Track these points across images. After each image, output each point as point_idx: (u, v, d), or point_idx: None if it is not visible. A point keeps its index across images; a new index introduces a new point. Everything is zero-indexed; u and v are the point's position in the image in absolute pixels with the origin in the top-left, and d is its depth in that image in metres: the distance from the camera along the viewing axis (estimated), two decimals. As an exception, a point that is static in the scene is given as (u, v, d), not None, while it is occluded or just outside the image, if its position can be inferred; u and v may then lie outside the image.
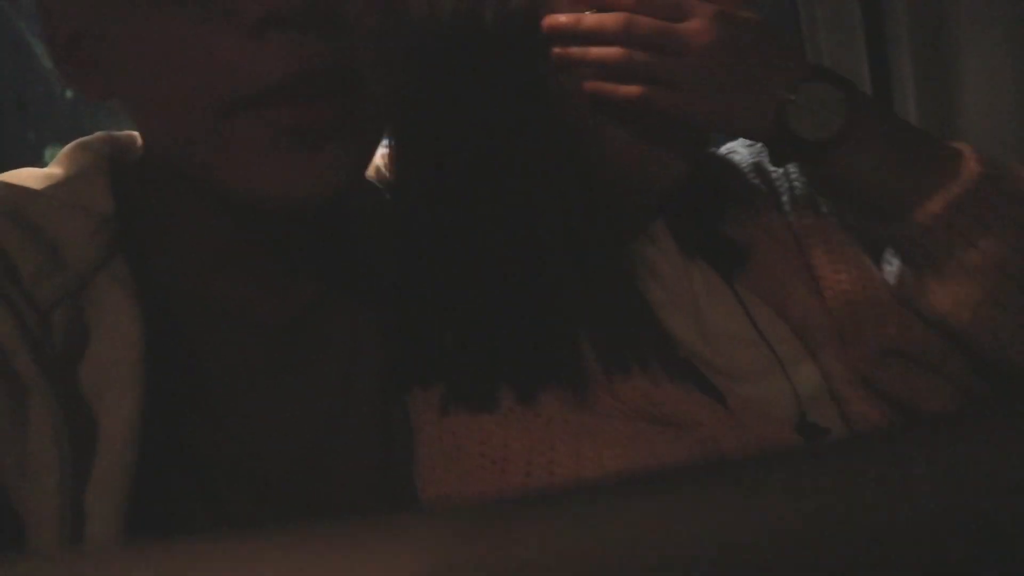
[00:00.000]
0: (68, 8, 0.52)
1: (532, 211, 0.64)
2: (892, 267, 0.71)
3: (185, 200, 0.57)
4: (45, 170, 0.59)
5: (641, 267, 0.70)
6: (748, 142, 0.83)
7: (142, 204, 0.58)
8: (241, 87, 0.47)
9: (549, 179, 0.65)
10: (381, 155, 0.71)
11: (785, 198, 0.79)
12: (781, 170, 0.79)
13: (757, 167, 0.81)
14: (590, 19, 0.62)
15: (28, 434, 0.47)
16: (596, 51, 0.62)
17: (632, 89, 0.62)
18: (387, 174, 0.72)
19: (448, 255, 0.66)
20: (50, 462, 0.47)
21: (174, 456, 0.54)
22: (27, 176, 0.57)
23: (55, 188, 0.56)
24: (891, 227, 0.64)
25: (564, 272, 0.64)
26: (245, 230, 0.58)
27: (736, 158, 0.82)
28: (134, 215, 0.57)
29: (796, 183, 0.78)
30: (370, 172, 0.72)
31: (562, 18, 0.63)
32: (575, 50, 0.63)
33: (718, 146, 0.86)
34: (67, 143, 0.61)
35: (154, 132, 0.54)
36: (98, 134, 0.61)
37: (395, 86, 0.55)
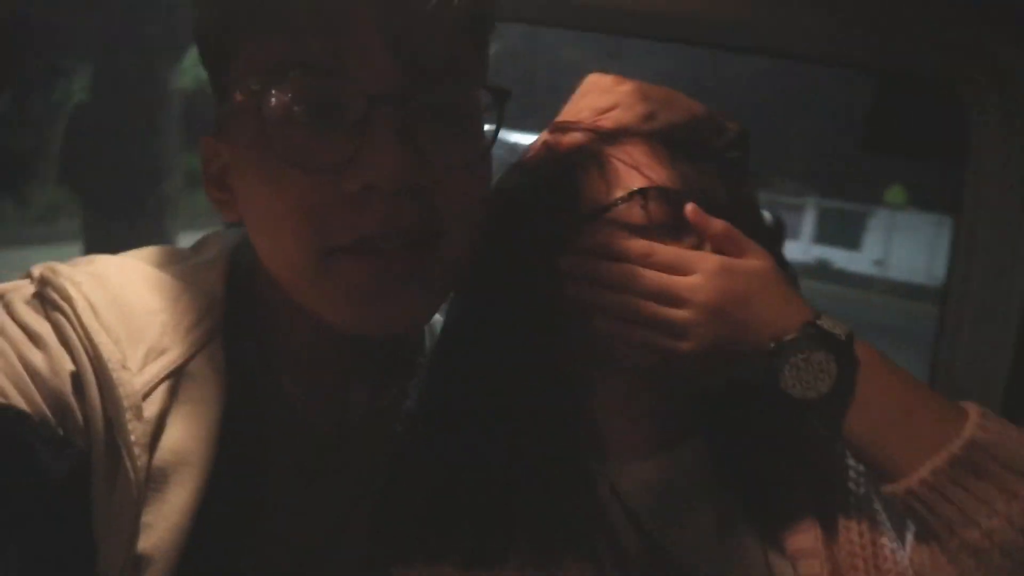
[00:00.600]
0: (219, 148, 0.65)
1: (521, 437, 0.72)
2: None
3: (282, 307, 0.66)
4: (184, 248, 0.73)
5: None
6: None
7: (246, 299, 0.69)
8: (340, 237, 0.57)
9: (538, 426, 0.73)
10: None
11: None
12: None
13: None
14: (602, 267, 0.68)
15: (112, 498, 0.58)
16: (607, 296, 0.68)
17: (635, 333, 0.67)
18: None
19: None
20: (125, 526, 0.58)
21: (224, 535, 0.64)
22: (165, 252, 0.71)
23: (184, 266, 0.69)
24: (888, 489, 0.63)
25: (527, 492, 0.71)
26: (328, 343, 0.69)
27: None
28: (237, 306, 0.68)
29: None
30: None
31: (577, 260, 0.69)
32: (587, 291, 0.69)
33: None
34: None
35: (266, 259, 0.63)
36: (230, 229, 0.74)
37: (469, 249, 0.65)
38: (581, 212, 0.69)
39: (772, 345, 0.64)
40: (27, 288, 0.61)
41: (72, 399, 0.57)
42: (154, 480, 0.60)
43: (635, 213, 0.69)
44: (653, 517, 0.71)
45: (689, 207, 0.68)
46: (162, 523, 0.59)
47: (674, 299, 0.66)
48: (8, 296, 0.61)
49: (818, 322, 0.64)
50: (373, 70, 0.56)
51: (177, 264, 0.69)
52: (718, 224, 0.68)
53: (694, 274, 0.66)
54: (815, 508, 0.71)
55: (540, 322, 0.71)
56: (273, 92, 0.56)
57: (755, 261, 0.68)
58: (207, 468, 0.61)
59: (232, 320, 0.67)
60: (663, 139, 0.72)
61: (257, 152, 0.58)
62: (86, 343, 0.58)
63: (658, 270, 0.67)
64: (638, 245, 0.68)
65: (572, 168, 0.71)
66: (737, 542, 0.72)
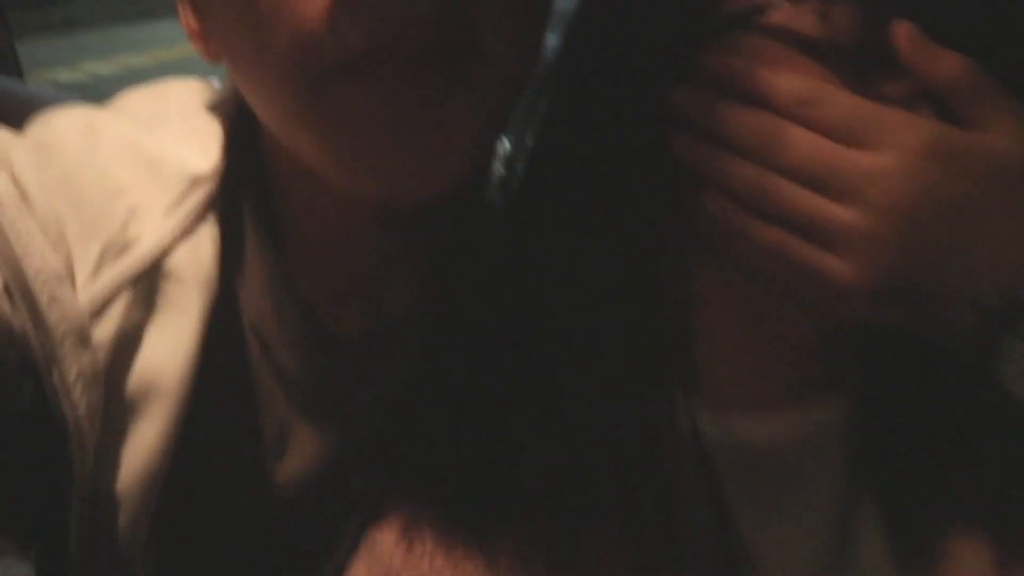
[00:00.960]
0: None
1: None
2: None
3: (293, 178, 0.51)
4: (176, 98, 0.56)
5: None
6: None
7: (251, 167, 0.53)
8: (336, 50, 0.40)
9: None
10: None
11: None
12: None
13: None
14: (731, 114, 0.41)
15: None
16: (732, 165, 0.41)
17: (768, 234, 0.40)
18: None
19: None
20: (82, 467, 0.46)
21: (212, 479, 0.53)
22: (175, 97, 0.55)
23: (183, 120, 0.53)
24: None
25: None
26: (354, 223, 0.52)
27: None
28: (238, 178, 0.52)
29: None
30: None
31: (695, 96, 0.42)
32: (704, 152, 0.42)
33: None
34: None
35: (253, 104, 0.48)
36: None
37: (535, 45, 0.45)
38: (713, 17, 0.42)
39: (996, 301, 0.37)
40: None
41: (11, 319, 0.44)
42: (114, 415, 0.47)
43: (806, 23, 0.40)
44: (742, 493, 0.47)
45: (903, 28, 0.39)
46: (127, 462, 0.48)
47: (838, 186, 0.38)
48: None
49: None
50: None
51: (177, 116, 0.54)
52: (952, 63, 0.38)
53: (882, 148, 0.38)
54: (993, 537, 0.45)
55: (633, 191, 0.45)
56: None
57: (1004, 142, 0.38)
58: (185, 396, 0.48)
59: (230, 197, 0.51)
60: None
61: None
62: (6, 251, 0.44)
63: (824, 131, 0.39)
64: (798, 83, 0.39)
65: None
66: (857, 563, 0.46)
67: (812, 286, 0.40)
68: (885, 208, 0.37)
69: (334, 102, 0.41)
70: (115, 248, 0.47)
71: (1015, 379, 0.37)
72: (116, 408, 0.47)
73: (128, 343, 0.47)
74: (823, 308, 0.42)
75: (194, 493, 0.52)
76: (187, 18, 0.50)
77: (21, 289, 0.44)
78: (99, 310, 0.46)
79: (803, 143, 0.39)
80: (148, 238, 0.47)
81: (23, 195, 0.46)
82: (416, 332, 0.55)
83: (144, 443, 0.48)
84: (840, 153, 0.38)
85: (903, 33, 0.39)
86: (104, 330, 0.46)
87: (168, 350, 0.48)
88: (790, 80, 0.39)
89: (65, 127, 0.51)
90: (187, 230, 0.49)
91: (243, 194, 0.53)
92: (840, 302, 0.40)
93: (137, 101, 0.56)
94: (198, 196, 0.49)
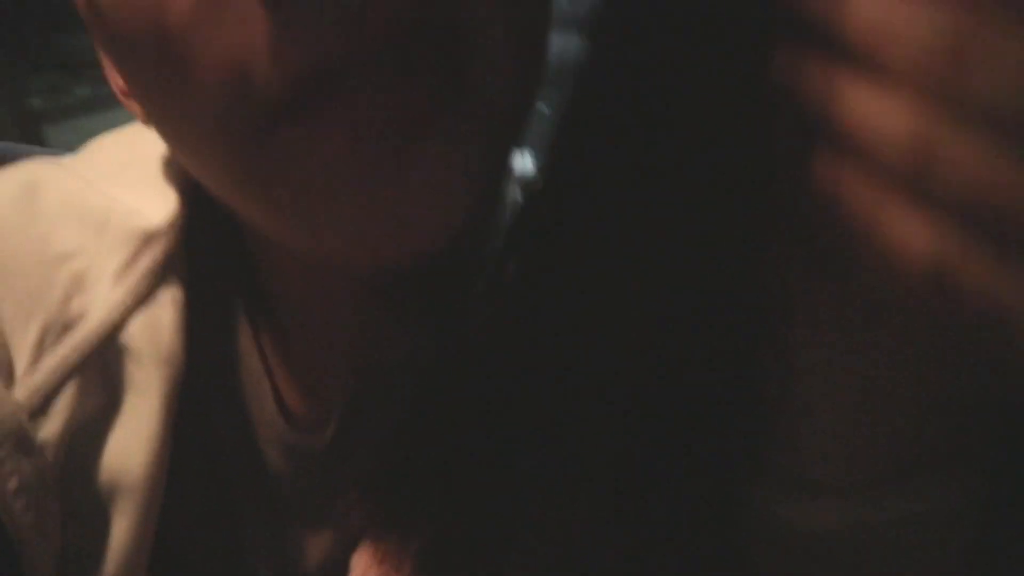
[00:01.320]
0: (96, 29, 0.37)
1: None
2: None
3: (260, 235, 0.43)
4: (143, 143, 0.46)
5: None
6: None
7: (213, 219, 0.45)
8: (271, 90, 0.29)
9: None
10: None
11: None
12: None
13: None
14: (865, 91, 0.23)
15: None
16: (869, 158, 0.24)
17: (915, 244, 0.23)
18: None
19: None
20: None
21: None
22: (126, 149, 0.47)
23: (124, 176, 0.45)
24: None
25: None
26: (329, 282, 0.44)
27: None
28: (201, 231, 0.44)
29: None
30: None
31: (807, 56, 0.25)
32: (825, 140, 0.25)
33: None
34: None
35: (190, 168, 0.39)
36: None
37: (540, 49, 0.34)
38: None
39: None
40: None
41: None
42: (75, 521, 0.40)
43: None
44: None
45: None
46: (98, 571, 0.40)
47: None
48: None
49: None
50: None
51: (139, 163, 0.46)
52: None
53: None
54: None
55: (714, 200, 0.29)
56: None
57: None
58: (155, 492, 0.41)
59: (196, 253, 0.44)
60: None
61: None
62: None
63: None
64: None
65: None
66: None
67: (990, 322, 0.23)
68: None
69: (280, 149, 0.30)
70: (57, 327, 0.40)
71: None
72: (77, 512, 0.40)
73: (82, 438, 0.40)
74: (995, 356, 0.25)
75: None
76: (114, 77, 0.41)
77: None
78: (41, 406, 0.39)
79: (961, 160, 0.21)
80: (96, 311, 0.40)
81: None
82: (406, 386, 0.45)
83: (116, 548, 0.41)
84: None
85: None
86: (50, 428, 0.39)
87: (131, 441, 0.40)
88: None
89: (6, 186, 0.43)
90: (141, 297, 0.41)
91: (210, 250, 0.46)
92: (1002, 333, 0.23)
93: (101, 148, 0.49)
94: (152, 255, 0.42)
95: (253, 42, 0.28)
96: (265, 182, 0.32)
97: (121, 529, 0.41)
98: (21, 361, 0.39)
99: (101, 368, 0.40)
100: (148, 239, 0.42)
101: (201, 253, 0.45)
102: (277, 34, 0.28)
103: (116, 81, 0.41)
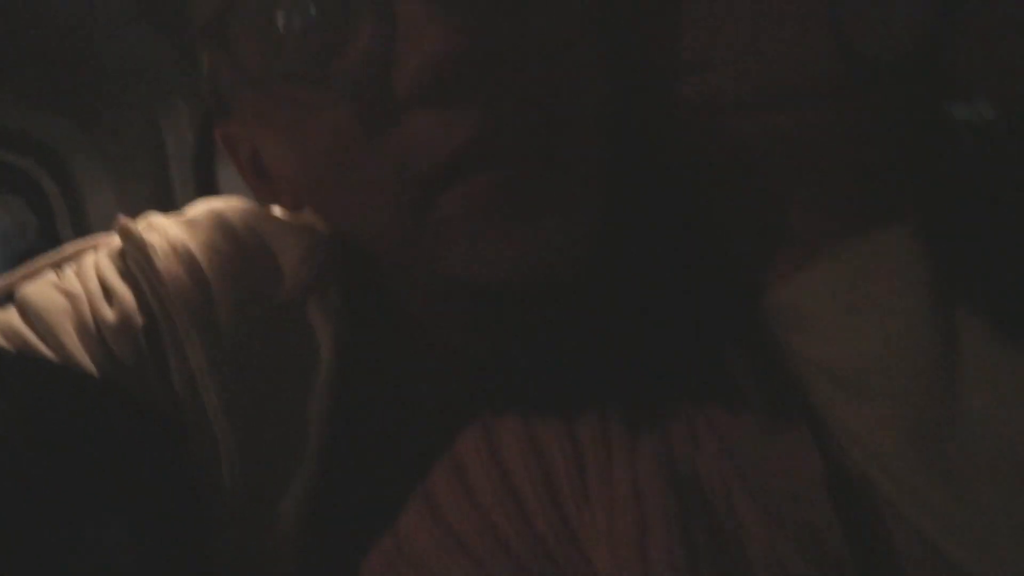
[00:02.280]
0: (240, 126, 0.50)
1: None
2: None
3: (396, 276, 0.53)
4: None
5: None
6: None
7: (351, 259, 0.54)
8: (424, 167, 0.39)
9: None
10: None
11: None
12: None
13: None
14: None
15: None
16: None
17: None
18: None
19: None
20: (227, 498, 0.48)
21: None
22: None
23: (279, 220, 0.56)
24: None
25: None
26: (465, 306, 0.52)
27: None
28: (344, 258, 0.54)
29: None
30: None
31: None
32: None
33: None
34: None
35: (349, 233, 0.49)
36: None
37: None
38: None
39: None
40: (116, 240, 0.53)
41: (149, 359, 0.48)
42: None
43: None
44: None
45: None
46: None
47: None
48: (99, 248, 0.53)
49: None
50: None
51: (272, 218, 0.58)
52: None
53: None
54: None
55: None
56: (275, 11, 0.41)
57: None
58: (315, 449, 0.51)
59: (340, 270, 0.54)
60: None
61: (277, 107, 0.44)
62: (159, 294, 0.49)
63: None
64: None
65: None
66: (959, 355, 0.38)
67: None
68: None
69: (439, 212, 0.41)
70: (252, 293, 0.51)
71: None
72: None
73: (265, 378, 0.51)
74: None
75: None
76: (253, 182, 0.52)
77: (167, 327, 0.49)
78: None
79: None
80: (286, 283, 0.51)
81: (176, 252, 0.51)
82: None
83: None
84: None
85: None
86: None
87: (303, 393, 0.51)
88: None
89: (198, 210, 0.56)
90: (314, 283, 0.52)
91: (352, 275, 0.54)
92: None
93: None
94: (323, 253, 0.52)
95: (416, 136, 0.39)
96: (429, 236, 0.42)
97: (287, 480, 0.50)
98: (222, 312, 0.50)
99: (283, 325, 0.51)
100: (317, 244, 0.53)
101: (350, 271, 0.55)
102: (435, 127, 0.39)
103: (256, 185, 0.52)
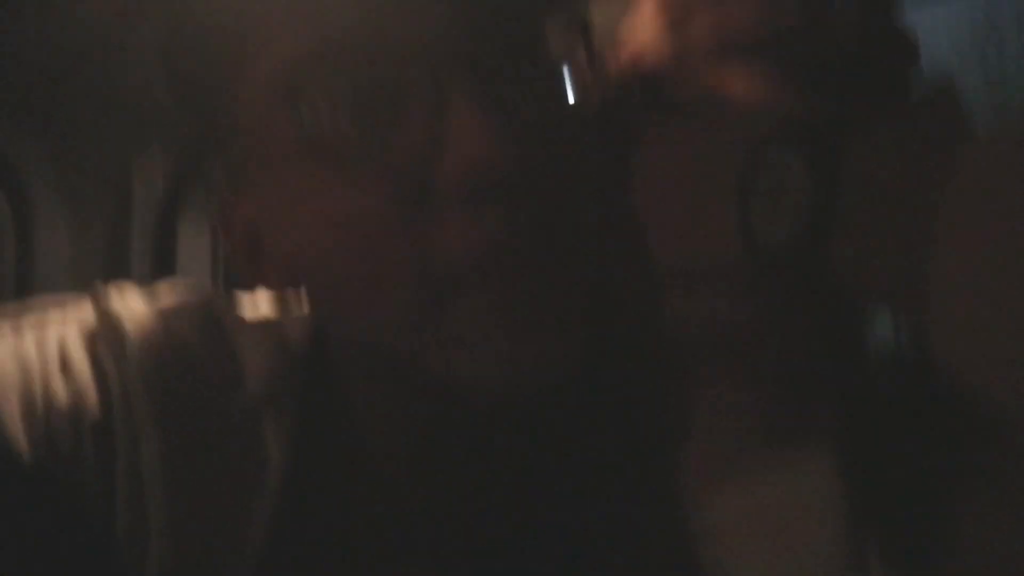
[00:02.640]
0: (245, 202, 0.49)
1: None
2: None
3: (369, 387, 0.52)
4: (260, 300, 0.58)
5: None
6: None
7: (324, 365, 0.53)
8: (453, 261, 0.40)
9: None
10: None
11: None
12: None
13: None
14: None
15: None
16: None
17: None
18: None
19: None
20: None
21: None
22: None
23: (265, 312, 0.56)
24: None
25: None
26: (437, 420, 0.51)
27: None
28: (321, 369, 0.53)
29: None
30: None
31: None
32: None
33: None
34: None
35: (348, 320, 0.47)
36: None
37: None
38: None
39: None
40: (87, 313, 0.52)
41: (92, 447, 0.47)
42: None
43: None
44: None
45: None
46: None
47: None
48: (68, 317, 0.52)
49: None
50: (431, 28, 0.41)
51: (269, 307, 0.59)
52: None
53: None
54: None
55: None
56: (307, 95, 0.42)
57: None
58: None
59: (311, 382, 0.53)
60: None
61: (303, 184, 0.43)
62: (125, 382, 0.48)
63: None
64: None
65: None
66: None
67: None
68: None
69: (453, 310, 0.41)
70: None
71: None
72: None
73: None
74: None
75: None
76: (243, 264, 0.50)
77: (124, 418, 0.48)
78: None
79: None
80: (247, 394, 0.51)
81: (145, 340, 0.50)
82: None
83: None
84: None
85: None
86: None
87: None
88: None
89: (170, 290, 0.56)
90: (276, 398, 0.51)
91: (321, 384, 0.53)
92: None
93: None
94: (289, 362, 0.52)
95: (447, 231, 0.40)
96: (441, 334, 0.42)
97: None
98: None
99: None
100: (288, 349, 0.52)
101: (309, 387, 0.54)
102: (467, 225, 0.40)
103: (247, 267, 0.50)
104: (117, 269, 1.26)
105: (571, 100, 0.47)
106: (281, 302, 0.57)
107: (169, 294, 0.55)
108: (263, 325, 0.54)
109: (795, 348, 0.48)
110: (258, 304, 0.58)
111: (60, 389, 0.46)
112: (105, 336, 0.49)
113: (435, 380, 0.44)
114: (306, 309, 0.55)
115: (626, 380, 0.52)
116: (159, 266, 1.28)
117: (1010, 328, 0.30)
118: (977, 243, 0.32)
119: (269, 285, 0.50)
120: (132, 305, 0.52)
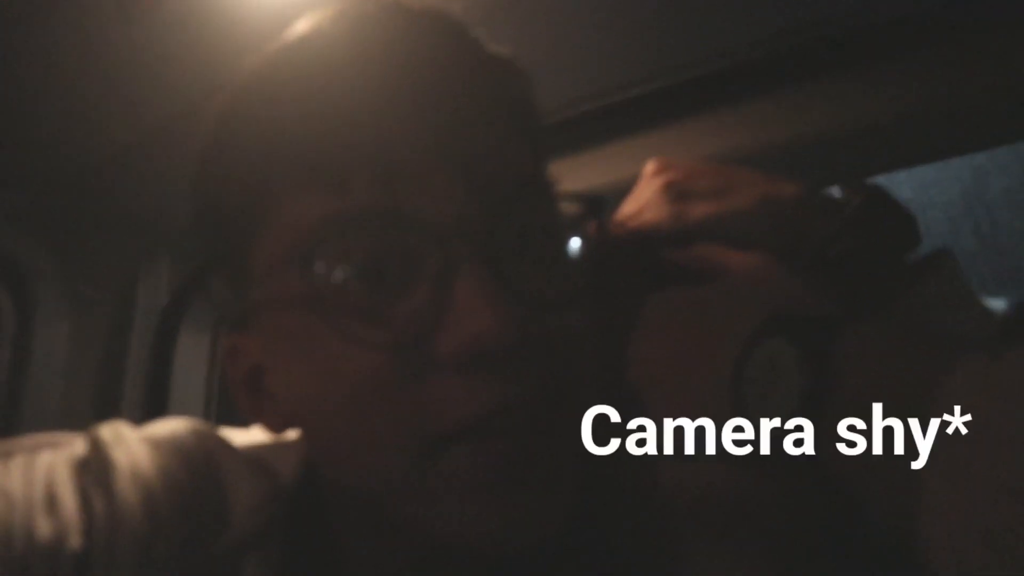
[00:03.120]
0: (245, 345, 0.50)
1: None
2: None
3: (358, 527, 0.52)
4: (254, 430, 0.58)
5: None
6: None
7: (316, 502, 0.53)
8: (444, 421, 0.42)
9: None
10: None
11: None
12: None
13: None
14: None
15: None
16: None
17: None
18: None
19: None
20: None
21: None
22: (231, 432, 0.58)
23: (254, 444, 0.56)
24: None
25: None
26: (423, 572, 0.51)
27: None
28: (308, 501, 0.53)
29: None
30: None
31: None
32: None
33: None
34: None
35: (342, 469, 0.48)
36: None
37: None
38: None
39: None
40: (78, 445, 0.51)
41: None
42: None
43: None
44: None
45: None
46: None
47: None
48: (59, 450, 0.51)
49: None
50: (446, 204, 0.44)
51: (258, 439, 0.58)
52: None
53: None
54: None
55: None
56: (323, 254, 0.43)
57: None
58: None
59: (298, 515, 0.53)
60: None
61: (309, 335, 0.45)
62: (111, 519, 0.47)
63: None
64: None
65: None
66: None
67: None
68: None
69: (445, 467, 0.42)
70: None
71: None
72: None
73: None
74: None
75: None
76: (242, 399, 0.52)
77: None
78: None
79: None
80: (232, 533, 0.50)
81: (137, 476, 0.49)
82: None
83: None
84: None
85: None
86: None
87: None
88: None
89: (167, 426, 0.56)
90: (259, 539, 0.50)
91: (309, 524, 0.53)
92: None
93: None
94: (276, 505, 0.51)
95: (443, 395, 0.42)
96: (431, 488, 0.43)
97: None
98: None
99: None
100: (279, 490, 0.52)
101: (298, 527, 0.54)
102: (464, 391, 0.42)
103: (246, 403, 0.51)
104: (113, 374, 1.26)
105: (576, 274, 0.49)
106: (275, 437, 0.56)
107: (163, 427, 0.55)
108: (254, 457, 0.54)
109: (788, 526, 0.48)
110: (251, 434, 0.58)
111: (42, 525, 0.45)
112: (95, 469, 0.49)
113: (422, 534, 0.45)
114: (299, 446, 0.55)
115: (616, 547, 0.52)
116: (156, 374, 1.28)
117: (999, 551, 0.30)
118: (967, 456, 0.32)
119: (266, 424, 0.50)
120: (124, 437, 0.52)
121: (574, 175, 1.01)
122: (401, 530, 0.47)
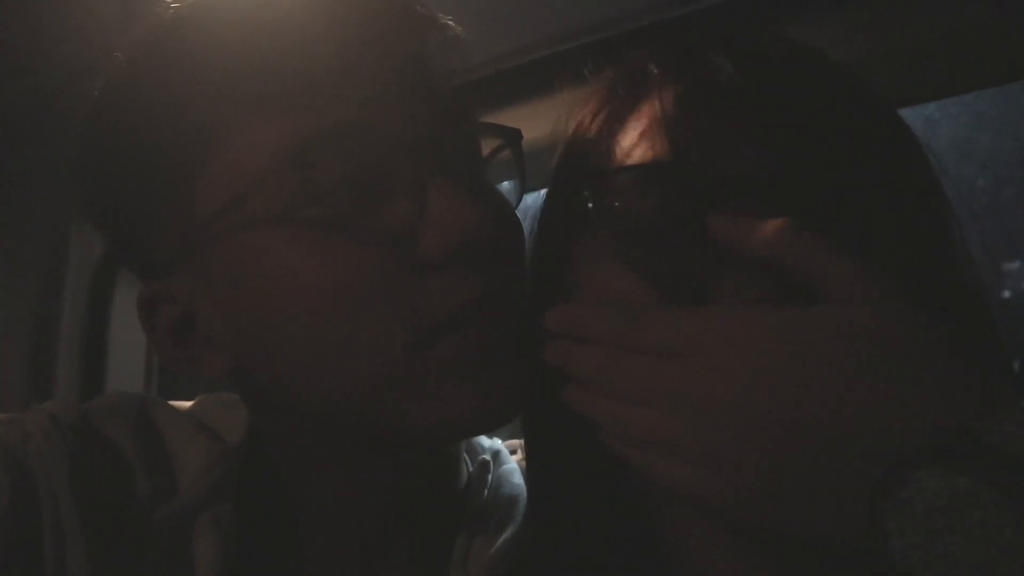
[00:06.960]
0: (179, 286, 0.50)
1: None
2: None
3: (315, 460, 0.54)
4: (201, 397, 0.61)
5: None
6: None
7: (264, 451, 0.56)
8: (436, 315, 0.46)
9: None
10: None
11: None
12: None
13: None
14: (575, 354, 0.46)
15: None
16: (581, 398, 0.46)
17: (626, 448, 0.43)
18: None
19: None
20: None
21: None
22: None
23: (197, 409, 0.58)
24: None
25: None
26: (370, 494, 0.55)
27: None
28: (254, 458, 0.55)
29: None
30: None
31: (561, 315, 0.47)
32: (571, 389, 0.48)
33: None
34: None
35: (320, 382, 0.48)
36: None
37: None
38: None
39: (878, 471, 0.35)
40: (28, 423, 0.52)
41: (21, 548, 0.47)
42: None
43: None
44: None
45: (715, 218, 0.43)
46: None
47: (668, 401, 0.40)
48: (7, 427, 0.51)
49: (975, 423, 0.34)
50: (413, 122, 0.48)
51: (200, 405, 0.60)
52: (766, 231, 0.40)
53: (701, 354, 0.39)
54: None
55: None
56: (300, 174, 0.46)
57: (844, 310, 0.38)
58: None
59: (248, 474, 0.55)
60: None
61: (286, 250, 0.46)
62: (51, 490, 0.48)
63: (650, 352, 0.41)
64: (614, 316, 0.43)
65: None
66: None
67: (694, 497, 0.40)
68: (713, 412, 0.38)
69: (434, 357, 0.47)
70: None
71: (909, 556, 0.34)
72: None
73: None
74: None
75: None
76: (169, 350, 0.52)
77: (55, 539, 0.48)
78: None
79: (630, 369, 0.42)
80: (179, 500, 0.52)
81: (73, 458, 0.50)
82: None
83: None
84: (665, 369, 0.40)
85: (714, 222, 0.43)
86: None
87: None
88: (608, 316, 0.44)
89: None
90: (212, 498, 0.52)
91: (259, 474, 0.55)
92: (688, 489, 0.40)
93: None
94: (225, 466, 0.54)
95: (432, 290, 0.46)
96: (414, 382, 0.47)
97: None
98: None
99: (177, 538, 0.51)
100: (227, 452, 0.54)
101: (248, 479, 0.55)
102: (450, 284, 0.46)
103: (173, 353, 0.52)
104: (47, 336, 1.20)
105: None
106: (213, 392, 0.59)
107: (104, 397, 0.56)
108: (202, 424, 0.55)
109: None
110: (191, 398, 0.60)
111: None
112: (35, 444, 0.49)
113: (404, 434, 0.48)
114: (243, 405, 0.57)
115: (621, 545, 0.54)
116: (92, 335, 1.22)
117: None
118: None
119: (202, 371, 0.51)
120: (66, 409, 0.52)
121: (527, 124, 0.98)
122: (375, 442, 0.50)
